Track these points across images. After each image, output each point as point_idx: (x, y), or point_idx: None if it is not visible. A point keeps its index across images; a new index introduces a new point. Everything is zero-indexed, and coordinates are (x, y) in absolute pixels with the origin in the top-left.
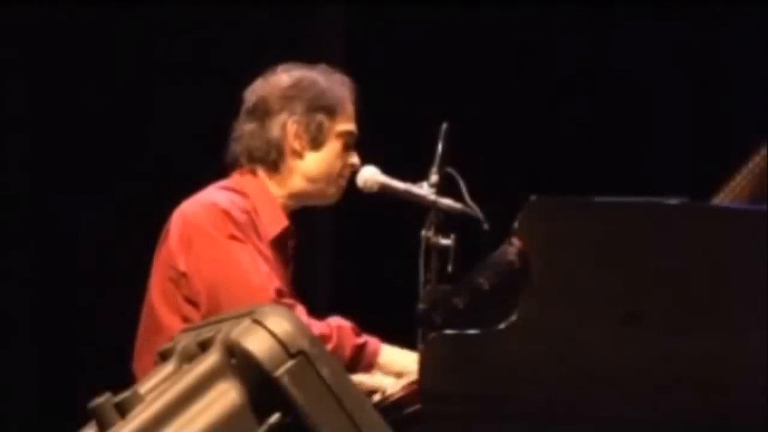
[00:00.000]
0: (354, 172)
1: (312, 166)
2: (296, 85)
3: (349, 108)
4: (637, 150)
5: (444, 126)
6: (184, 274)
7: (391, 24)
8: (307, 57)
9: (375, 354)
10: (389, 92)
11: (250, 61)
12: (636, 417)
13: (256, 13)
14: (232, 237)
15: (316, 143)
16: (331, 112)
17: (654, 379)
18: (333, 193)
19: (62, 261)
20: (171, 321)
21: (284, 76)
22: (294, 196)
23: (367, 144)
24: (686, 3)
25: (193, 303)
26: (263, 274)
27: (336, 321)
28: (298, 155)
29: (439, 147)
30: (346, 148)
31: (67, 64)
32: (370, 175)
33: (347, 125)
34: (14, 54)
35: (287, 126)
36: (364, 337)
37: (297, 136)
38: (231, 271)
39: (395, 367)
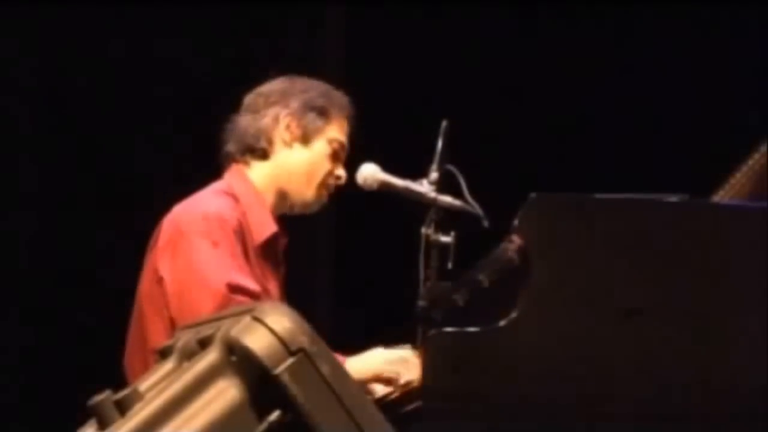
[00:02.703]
0: (338, 186)
1: (297, 159)
2: (295, 86)
3: (344, 122)
4: (638, 147)
5: (444, 123)
6: (162, 279)
7: (391, 21)
8: (307, 56)
9: None
10: (389, 90)
11: (250, 61)
12: (637, 413)
13: (256, 14)
14: (214, 243)
15: (305, 139)
16: (326, 114)
17: (654, 376)
18: (311, 197)
19: (61, 259)
20: (158, 325)
21: (285, 80)
22: (279, 192)
23: (367, 141)
24: (687, 1)
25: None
26: (220, 272)
27: None
28: (287, 144)
29: (439, 144)
30: (335, 156)
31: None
32: (369, 173)
33: (339, 135)
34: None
35: (280, 117)
36: None
37: (288, 127)
38: (193, 273)
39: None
